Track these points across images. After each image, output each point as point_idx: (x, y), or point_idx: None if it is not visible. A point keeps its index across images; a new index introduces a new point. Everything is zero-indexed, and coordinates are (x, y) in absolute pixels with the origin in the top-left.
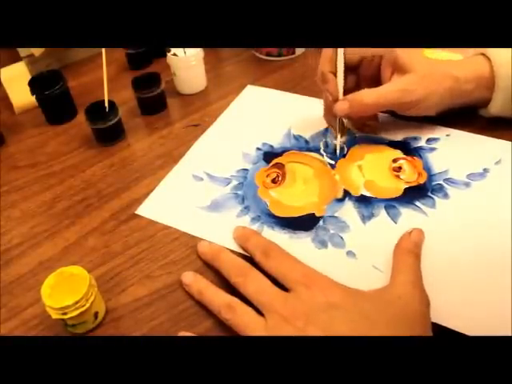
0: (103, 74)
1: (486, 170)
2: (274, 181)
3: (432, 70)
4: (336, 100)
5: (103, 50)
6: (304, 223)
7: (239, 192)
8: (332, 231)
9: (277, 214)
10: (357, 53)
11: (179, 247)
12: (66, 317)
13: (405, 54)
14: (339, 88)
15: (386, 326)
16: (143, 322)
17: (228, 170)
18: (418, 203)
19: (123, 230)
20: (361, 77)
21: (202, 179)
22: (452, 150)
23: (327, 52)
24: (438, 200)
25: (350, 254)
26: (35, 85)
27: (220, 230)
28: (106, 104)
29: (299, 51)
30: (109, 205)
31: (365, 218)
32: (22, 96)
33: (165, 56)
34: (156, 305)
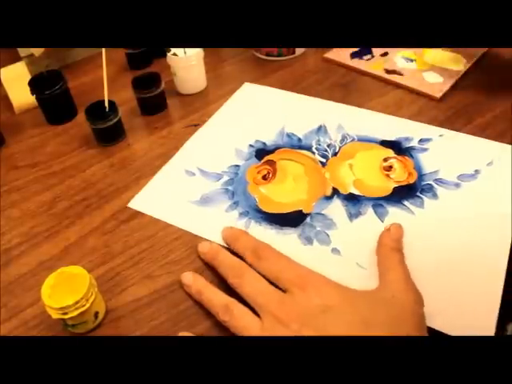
0: (103, 74)
1: (477, 172)
2: (264, 177)
3: None
4: None
5: (103, 50)
6: (291, 220)
7: (229, 187)
8: (318, 228)
9: (265, 209)
10: None
11: (179, 247)
12: (66, 317)
13: None
14: None
15: (381, 328)
16: (143, 321)
17: (220, 165)
18: (406, 202)
19: (123, 230)
20: None
21: (194, 174)
22: (444, 151)
23: None
24: (426, 200)
25: (334, 250)
26: (35, 85)
27: (209, 224)
28: (106, 104)
29: (299, 51)
30: (109, 205)
31: (352, 216)
32: (22, 96)
33: (165, 56)
34: (156, 305)
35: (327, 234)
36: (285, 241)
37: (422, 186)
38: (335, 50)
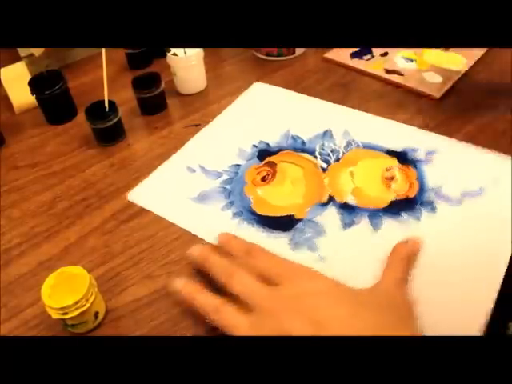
0: (103, 73)
1: (481, 189)
2: (263, 179)
3: None
4: None
5: (103, 50)
6: (283, 224)
7: (227, 186)
8: (309, 234)
9: (259, 211)
10: None
11: (179, 247)
12: (66, 317)
13: None
14: None
15: (370, 311)
16: (143, 322)
17: (221, 164)
18: (403, 214)
19: (123, 230)
20: None
21: (194, 171)
22: (451, 165)
23: None
24: (424, 213)
25: (321, 258)
26: (35, 85)
27: (204, 221)
28: (106, 104)
29: (299, 51)
30: (109, 205)
31: (346, 225)
32: (22, 96)
33: (165, 56)
34: (156, 305)
35: (316, 241)
36: (275, 245)
37: (422, 199)
38: (335, 50)
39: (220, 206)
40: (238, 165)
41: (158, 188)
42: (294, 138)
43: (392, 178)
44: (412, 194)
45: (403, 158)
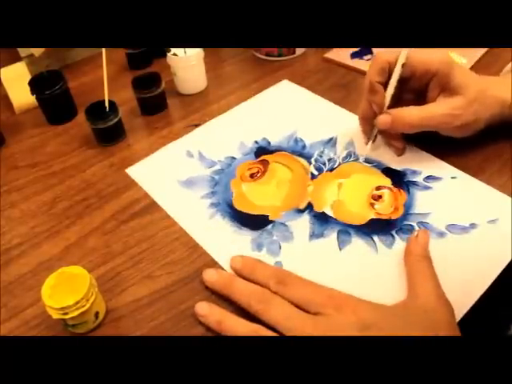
0: (103, 73)
1: (472, 226)
2: (252, 175)
3: (481, 94)
4: (381, 112)
5: (103, 50)
6: (254, 222)
7: (216, 177)
8: (275, 237)
9: (236, 206)
10: (409, 67)
11: (179, 247)
12: (66, 317)
13: (459, 76)
14: (386, 101)
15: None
16: (143, 321)
17: (218, 154)
18: (375, 237)
19: (123, 230)
20: (405, 88)
21: (192, 156)
22: (447, 195)
23: (378, 62)
24: (398, 240)
25: (278, 263)
26: (35, 85)
27: (182, 206)
28: (106, 104)
29: (299, 51)
30: (109, 205)
31: (313, 236)
32: (22, 96)
33: (165, 56)
34: (156, 305)
35: (280, 246)
36: (236, 241)
37: (401, 225)
38: (335, 50)
39: (201, 193)
40: (234, 158)
41: (155, 167)
42: (296, 140)
43: (379, 198)
44: (394, 218)
45: (399, 179)
